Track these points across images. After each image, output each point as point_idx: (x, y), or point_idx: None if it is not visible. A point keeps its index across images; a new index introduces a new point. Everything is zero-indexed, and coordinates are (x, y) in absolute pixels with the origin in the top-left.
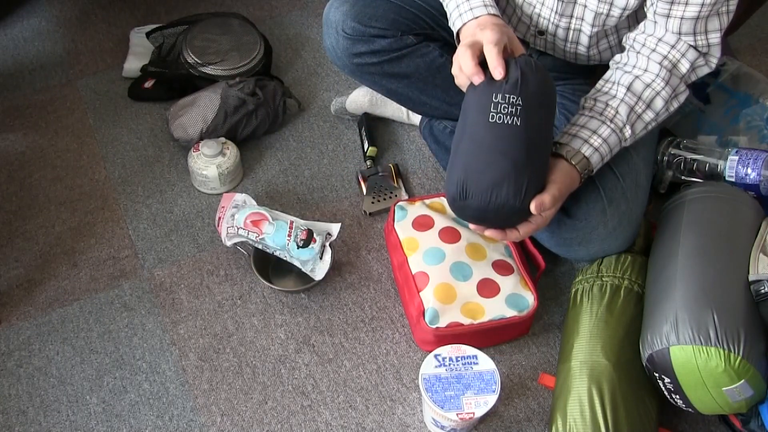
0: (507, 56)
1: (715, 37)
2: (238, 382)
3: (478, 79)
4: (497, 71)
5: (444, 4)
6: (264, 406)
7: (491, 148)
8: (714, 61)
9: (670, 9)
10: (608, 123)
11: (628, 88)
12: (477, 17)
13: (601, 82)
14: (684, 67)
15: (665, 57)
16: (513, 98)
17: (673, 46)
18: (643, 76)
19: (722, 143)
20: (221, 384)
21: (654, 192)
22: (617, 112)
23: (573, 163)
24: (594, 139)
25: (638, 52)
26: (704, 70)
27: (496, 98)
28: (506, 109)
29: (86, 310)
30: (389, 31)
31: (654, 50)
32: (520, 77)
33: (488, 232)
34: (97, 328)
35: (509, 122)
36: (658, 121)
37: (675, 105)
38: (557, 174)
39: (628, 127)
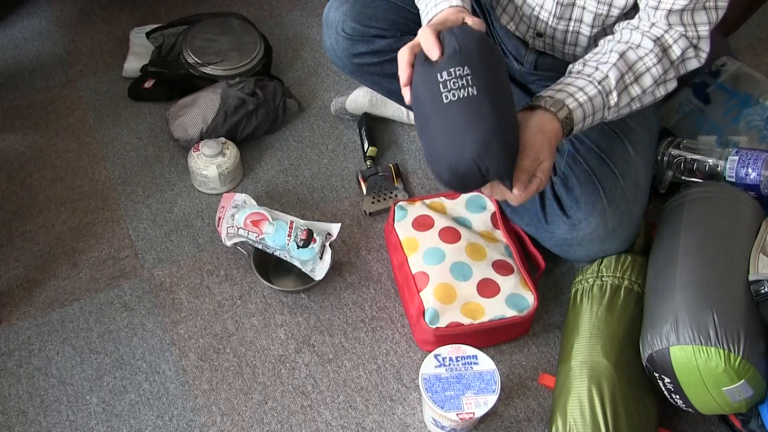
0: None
1: (704, 30)
2: (238, 382)
3: (405, 76)
4: (432, 52)
5: (417, 3)
6: (264, 406)
7: (460, 127)
8: (703, 56)
9: (660, 1)
10: (596, 84)
11: (621, 55)
12: (440, 12)
13: (590, 54)
14: (675, 53)
15: (659, 38)
16: (459, 70)
17: (665, 32)
18: (637, 49)
19: (722, 143)
20: (221, 384)
21: (654, 192)
22: (607, 75)
23: (553, 110)
24: (580, 95)
25: (632, 30)
26: (693, 63)
27: (441, 77)
28: (455, 84)
29: (86, 310)
30: (389, 32)
31: (648, 31)
32: (458, 45)
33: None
34: (97, 328)
35: (464, 95)
36: (642, 101)
37: (662, 91)
38: (529, 132)
39: (615, 93)
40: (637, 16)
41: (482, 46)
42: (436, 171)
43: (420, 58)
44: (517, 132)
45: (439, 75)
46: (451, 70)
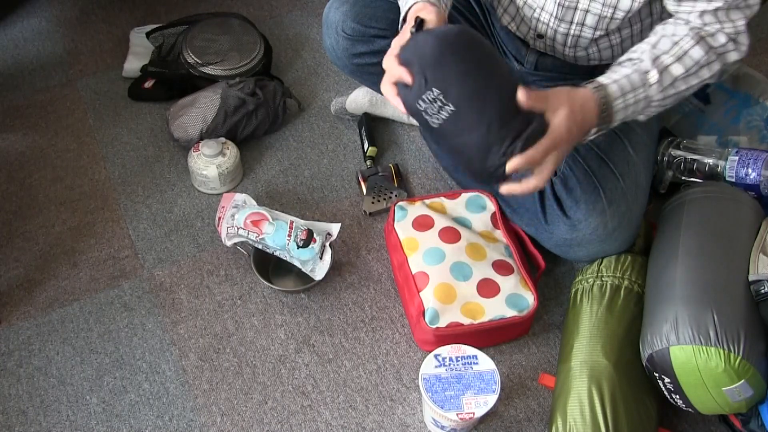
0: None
1: (741, 24)
2: (238, 382)
3: (403, 108)
4: (404, 79)
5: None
6: (264, 406)
7: (457, 146)
8: (744, 49)
9: (694, 5)
10: (630, 65)
11: (653, 45)
12: (410, 7)
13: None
14: (713, 42)
15: (694, 28)
16: (430, 94)
17: (702, 27)
18: (672, 36)
19: (722, 143)
20: (221, 384)
21: (654, 192)
22: (640, 58)
23: (584, 84)
24: (613, 75)
25: (664, 25)
26: (734, 56)
27: (420, 106)
28: (434, 109)
29: (86, 310)
30: (389, 32)
31: (683, 24)
32: (418, 67)
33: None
34: (97, 328)
35: (447, 115)
36: (689, 83)
37: (706, 73)
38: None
39: (654, 71)
40: (673, 18)
41: (438, 52)
42: (467, 177)
43: (401, 87)
44: (513, 116)
45: (417, 105)
46: (424, 96)
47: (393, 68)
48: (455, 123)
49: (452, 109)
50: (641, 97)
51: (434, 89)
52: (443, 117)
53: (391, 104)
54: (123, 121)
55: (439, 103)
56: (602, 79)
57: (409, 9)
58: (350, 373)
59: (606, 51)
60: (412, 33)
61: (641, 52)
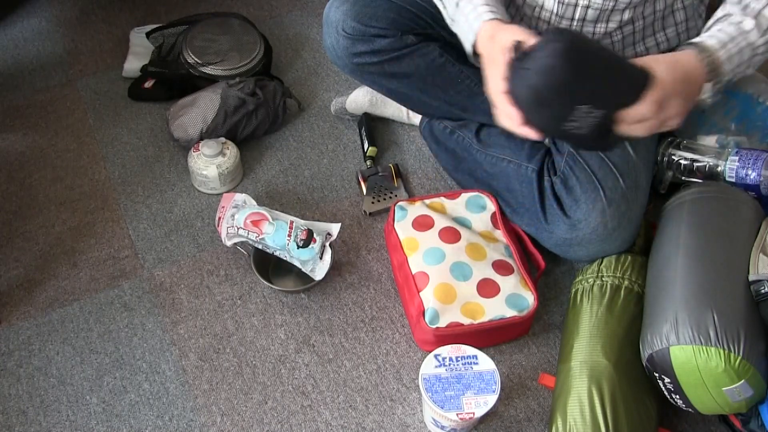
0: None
1: None
2: (238, 382)
3: (539, 137)
4: (536, 138)
5: (447, 19)
6: (264, 406)
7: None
8: None
9: None
10: (718, 23)
11: (739, 2)
12: (476, 33)
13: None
14: None
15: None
16: (576, 113)
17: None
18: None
19: (722, 143)
20: (221, 384)
21: (654, 192)
22: (729, 14)
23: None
24: (704, 33)
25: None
26: None
27: (564, 126)
28: (581, 122)
29: (86, 310)
30: (389, 31)
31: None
32: (555, 100)
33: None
34: (97, 328)
35: (595, 120)
36: None
37: None
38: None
39: (747, 19)
40: None
41: (570, 74)
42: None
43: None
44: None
45: (562, 126)
46: (572, 118)
47: (510, 113)
48: (605, 122)
49: (602, 112)
50: (743, 44)
51: (580, 107)
52: (591, 123)
53: (514, 134)
54: (123, 121)
55: (590, 116)
56: (695, 39)
57: (476, 34)
58: (350, 373)
59: None
60: (516, 60)
61: (727, 11)
